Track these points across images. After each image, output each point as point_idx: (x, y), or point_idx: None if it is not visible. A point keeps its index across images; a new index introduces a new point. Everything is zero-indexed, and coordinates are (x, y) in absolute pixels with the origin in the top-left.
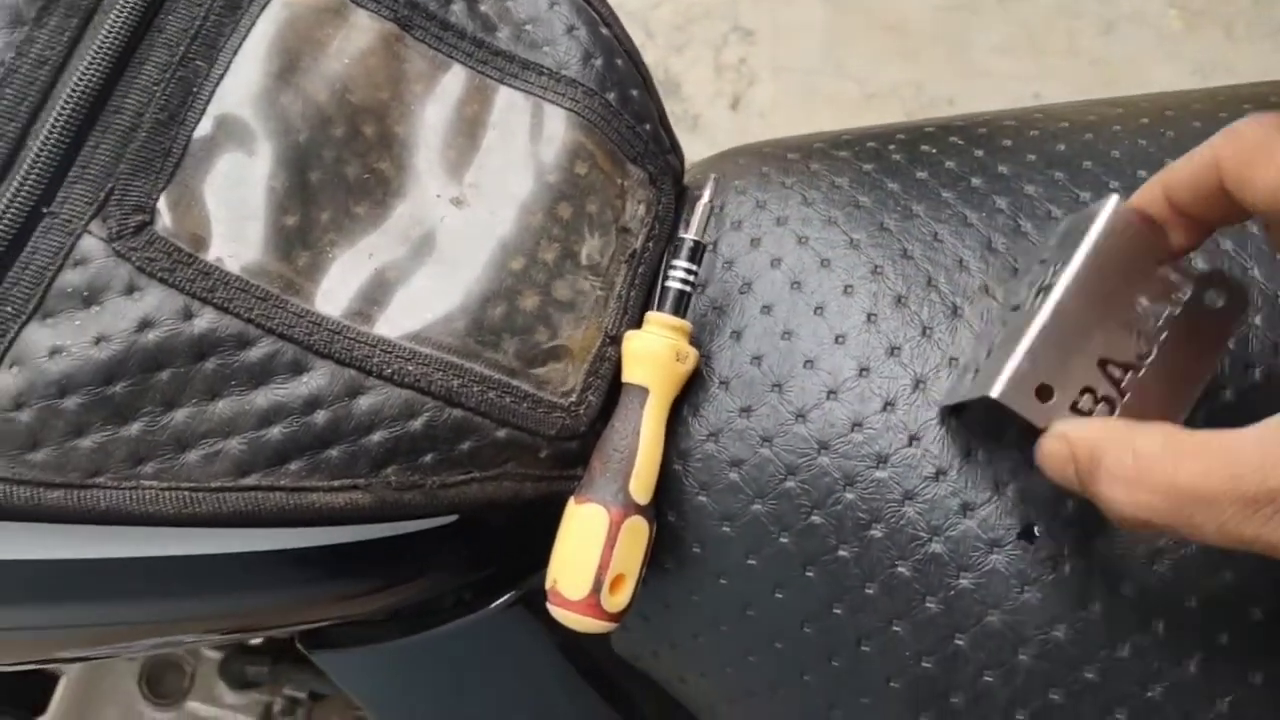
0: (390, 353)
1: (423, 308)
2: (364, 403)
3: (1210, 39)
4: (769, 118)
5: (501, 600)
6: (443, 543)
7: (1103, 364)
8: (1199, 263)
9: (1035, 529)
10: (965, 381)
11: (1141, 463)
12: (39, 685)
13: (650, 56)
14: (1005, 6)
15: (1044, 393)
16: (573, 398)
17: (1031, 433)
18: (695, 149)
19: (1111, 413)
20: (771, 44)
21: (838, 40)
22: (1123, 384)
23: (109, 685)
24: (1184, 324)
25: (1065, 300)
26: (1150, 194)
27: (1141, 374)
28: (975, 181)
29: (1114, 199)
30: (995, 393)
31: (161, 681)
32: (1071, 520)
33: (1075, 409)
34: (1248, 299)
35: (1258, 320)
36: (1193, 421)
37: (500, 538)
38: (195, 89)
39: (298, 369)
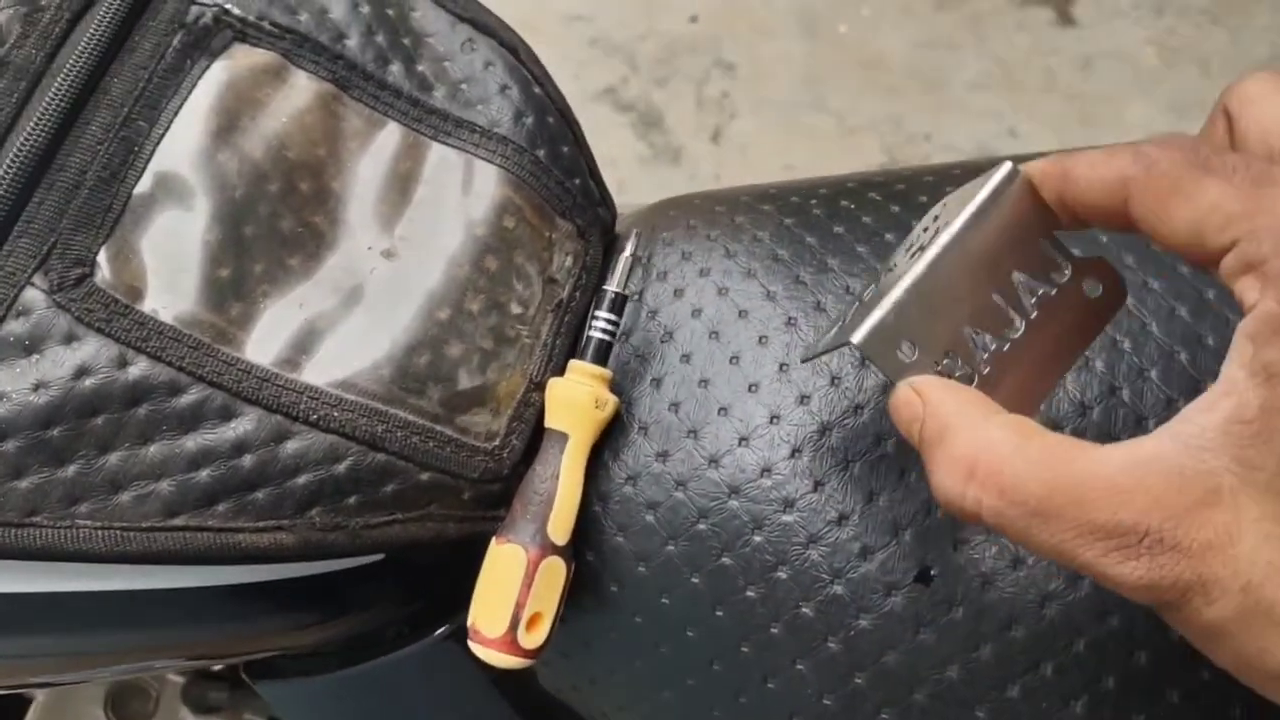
0: (317, 399)
1: (350, 356)
2: (290, 447)
3: (1187, 76)
4: (749, 151)
5: (436, 634)
6: (375, 579)
7: (970, 331)
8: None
9: (931, 572)
10: (828, 336)
11: (987, 458)
12: (10, 710)
13: (634, 89)
14: (982, 43)
15: (906, 350)
16: (496, 441)
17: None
18: (677, 181)
19: (970, 384)
20: (753, 78)
21: (817, 75)
22: (984, 356)
23: (75, 710)
24: (1057, 306)
25: (940, 259)
26: (1045, 176)
27: (1006, 349)
28: (889, 237)
29: (1008, 165)
30: (856, 339)
31: (127, 706)
32: (965, 564)
33: (936, 372)
34: (1126, 294)
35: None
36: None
37: (433, 573)
38: (137, 148)
39: (226, 415)
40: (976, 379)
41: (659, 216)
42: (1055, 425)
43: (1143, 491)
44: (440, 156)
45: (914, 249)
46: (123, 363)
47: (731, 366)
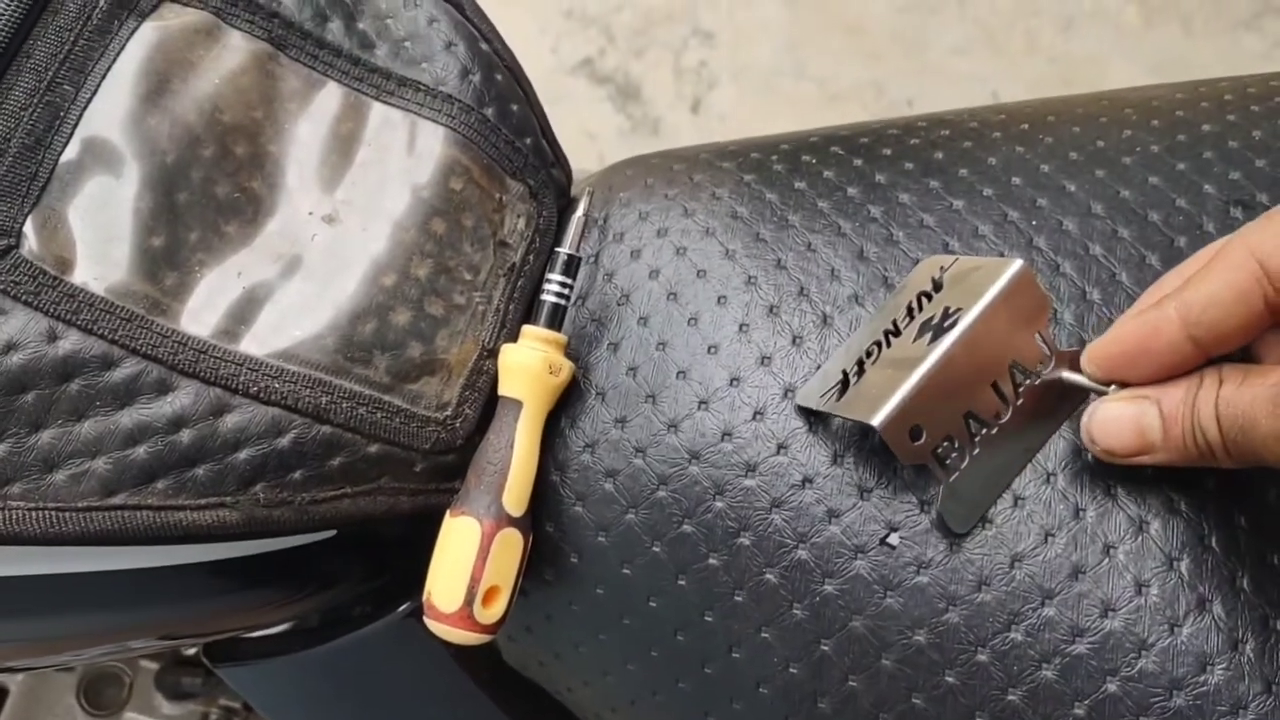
0: (256, 371)
1: (292, 325)
2: (230, 421)
3: (1169, 34)
4: (729, 120)
5: (399, 611)
6: (335, 555)
7: (966, 416)
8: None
9: (897, 534)
10: (828, 388)
11: None
12: None
13: (611, 61)
14: (964, 6)
15: (915, 433)
16: (448, 411)
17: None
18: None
19: (962, 465)
20: (732, 47)
21: (797, 42)
22: (976, 438)
23: (49, 698)
24: (1039, 393)
25: (954, 350)
26: (1156, 326)
27: (994, 432)
28: (851, 191)
29: (1019, 264)
30: (877, 423)
31: (100, 694)
32: (930, 526)
33: (934, 453)
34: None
35: None
36: None
37: (397, 548)
38: (62, 113)
39: (163, 389)
40: (967, 460)
41: (616, 176)
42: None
43: None
44: (383, 117)
45: (926, 327)
46: (52, 336)
47: (690, 328)
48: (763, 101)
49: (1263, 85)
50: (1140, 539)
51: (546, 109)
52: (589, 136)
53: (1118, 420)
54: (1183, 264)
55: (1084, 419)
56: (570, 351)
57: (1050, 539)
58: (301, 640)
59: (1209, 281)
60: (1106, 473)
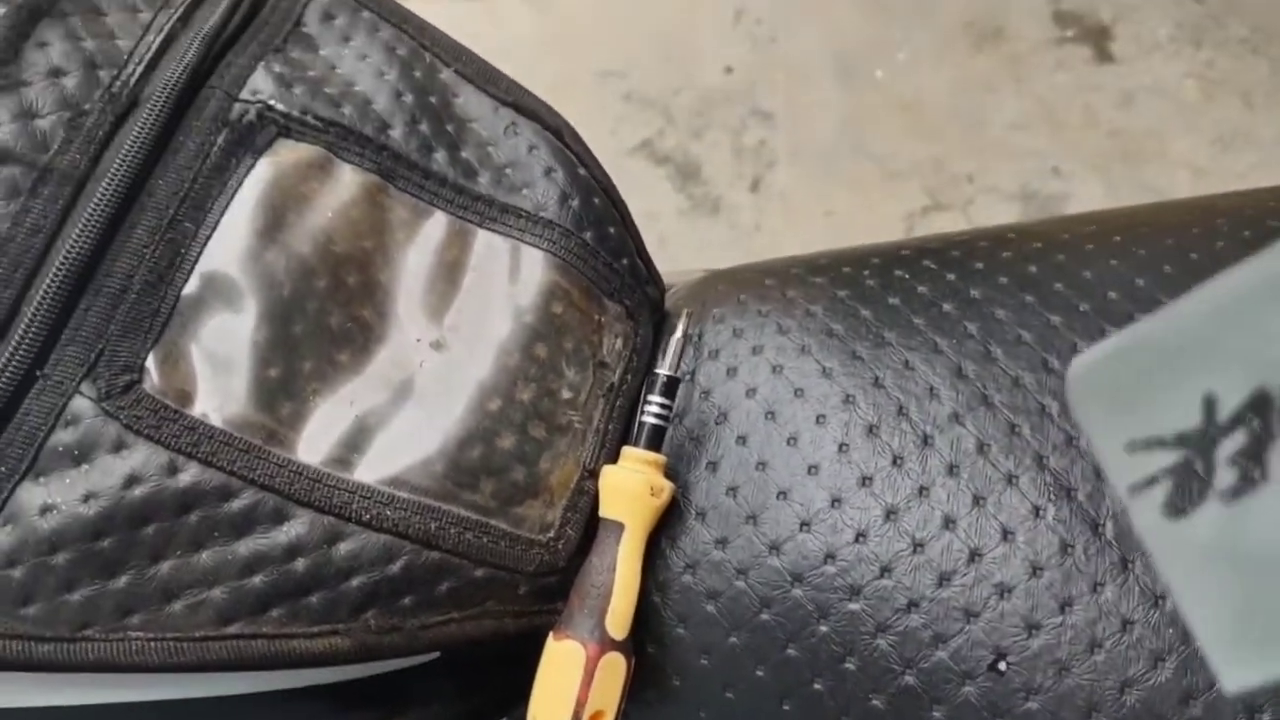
0: (369, 498)
1: (401, 452)
2: (343, 548)
3: (1229, 108)
4: (789, 199)
5: None
6: (432, 676)
7: None
8: None
9: (1006, 660)
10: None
11: None
12: None
13: (670, 141)
14: (1021, 83)
15: None
16: (551, 533)
17: None
18: (716, 231)
19: None
20: (790, 126)
21: (855, 121)
22: None
23: None
24: None
25: None
26: None
27: None
28: (946, 307)
29: None
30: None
31: None
32: (1041, 650)
33: None
34: None
35: None
36: None
37: (492, 666)
38: (183, 250)
39: (279, 518)
40: None
41: (709, 291)
42: None
43: None
44: (486, 243)
45: None
46: (173, 469)
47: (789, 448)
48: (822, 180)
49: None
50: None
51: None
52: (649, 216)
53: None
54: None
55: None
56: (669, 470)
57: (1160, 664)
58: None
59: None
60: None
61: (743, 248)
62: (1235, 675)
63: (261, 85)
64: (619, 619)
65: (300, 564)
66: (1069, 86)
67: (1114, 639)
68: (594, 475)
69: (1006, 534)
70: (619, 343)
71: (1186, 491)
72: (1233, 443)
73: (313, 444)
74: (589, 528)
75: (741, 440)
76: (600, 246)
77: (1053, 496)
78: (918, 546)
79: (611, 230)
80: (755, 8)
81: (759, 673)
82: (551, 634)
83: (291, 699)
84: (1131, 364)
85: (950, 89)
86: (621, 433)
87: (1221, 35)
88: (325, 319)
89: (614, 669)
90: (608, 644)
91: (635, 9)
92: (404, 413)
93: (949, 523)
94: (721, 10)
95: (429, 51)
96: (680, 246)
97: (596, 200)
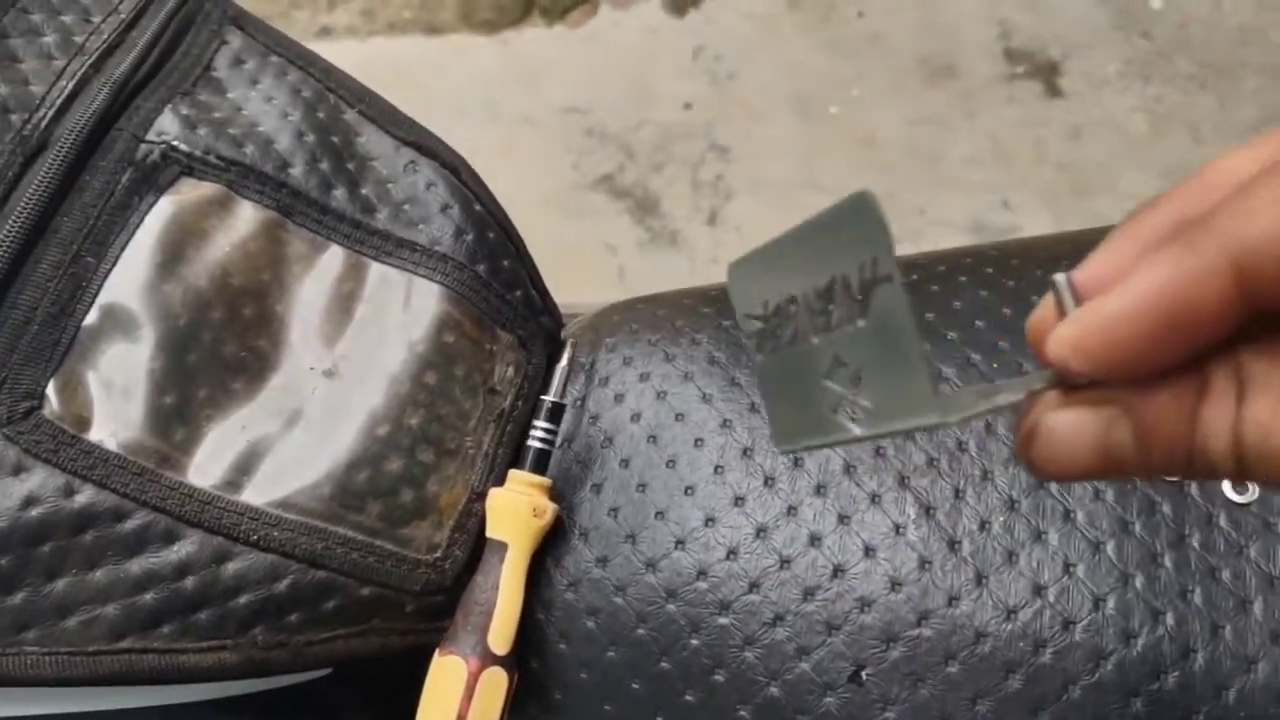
0: (257, 520)
1: (290, 475)
2: (231, 568)
3: (1177, 142)
4: (745, 231)
5: None
6: (327, 691)
7: None
8: None
9: (865, 671)
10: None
11: None
12: None
13: (630, 176)
14: (973, 119)
15: None
16: (438, 553)
17: None
18: (674, 264)
19: None
20: (747, 161)
21: (811, 155)
22: None
23: None
24: None
25: None
26: (1197, 280)
27: None
28: None
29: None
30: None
31: None
32: (899, 662)
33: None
34: None
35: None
36: None
37: (390, 683)
38: (85, 283)
39: (170, 538)
40: None
41: (604, 321)
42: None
43: None
44: (382, 275)
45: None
46: (70, 491)
47: (668, 470)
48: (778, 212)
49: None
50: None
51: (569, 223)
52: (609, 249)
53: (1074, 434)
54: (1181, 185)
55: (1022, 429)
56: (556, 492)
57: (1011, 675)
58: None
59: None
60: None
61: (700, 278)
62: (784, 447)
63: (168, 127)
64: (501, 635)
65: (190, 582)
66: (1019, 121)
67: (967, 651)
68: (482, 498)
69: (869, 550)
70: (510, 371)
71: (766, 343)
72: (788, 319)
73: (204, 468)
74: (477, 549)
75: (625, 463)
76: (493, 279)
77: (913, 515)
78: (785, 563)
79: (506, 263)
80: (714, 45)
81: (635, 686)
82: (437, 650)
83: (186, 714)
84: (756, 270)
85: (903, 124)
86: (511, 457)
87: (1170, 71)
88: (220, 348)
89: (495, 684)
90: (490, 659)
91: (597, 47)
92: (294, 437)
93: (815, 540)
94: (681, 48)
95: (334, 93)
96: (639, 278)
97: (491, 234)
